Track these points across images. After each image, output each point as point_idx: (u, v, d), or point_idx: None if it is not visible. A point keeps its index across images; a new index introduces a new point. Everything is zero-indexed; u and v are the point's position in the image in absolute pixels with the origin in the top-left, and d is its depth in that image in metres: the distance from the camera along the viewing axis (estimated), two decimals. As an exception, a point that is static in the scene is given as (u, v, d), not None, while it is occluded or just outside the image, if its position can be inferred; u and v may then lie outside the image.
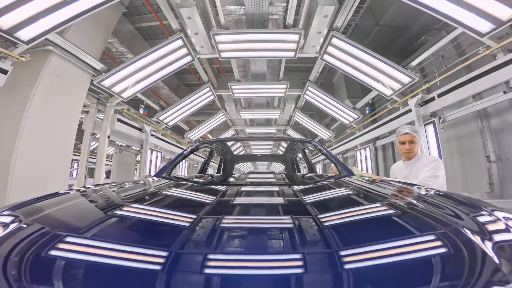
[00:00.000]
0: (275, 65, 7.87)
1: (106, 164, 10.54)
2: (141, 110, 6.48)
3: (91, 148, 6.02)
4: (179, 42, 5.52)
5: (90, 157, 5.83)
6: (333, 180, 1.99)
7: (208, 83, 7.57)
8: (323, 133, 10.84)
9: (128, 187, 1.62)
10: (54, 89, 4.47)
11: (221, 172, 5.90)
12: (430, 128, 5.25)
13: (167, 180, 1.97)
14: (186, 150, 3.10)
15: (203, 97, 8.10)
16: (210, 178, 2.56)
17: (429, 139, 5.24)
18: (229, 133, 13.16)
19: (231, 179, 2.38)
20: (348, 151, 10.31)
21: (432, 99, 5.16)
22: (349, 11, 4.95)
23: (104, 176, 9.49)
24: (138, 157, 7.86)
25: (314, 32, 5.21)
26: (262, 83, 7.91)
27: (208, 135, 15.24)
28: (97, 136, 6.24)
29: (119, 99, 6.00)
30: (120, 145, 7.43)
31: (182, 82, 10.36)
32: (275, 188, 1.66)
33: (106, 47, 6.95)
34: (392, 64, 5.23)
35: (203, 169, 4.30)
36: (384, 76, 5.56)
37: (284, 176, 2.91)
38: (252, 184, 1.94)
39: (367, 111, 7.21)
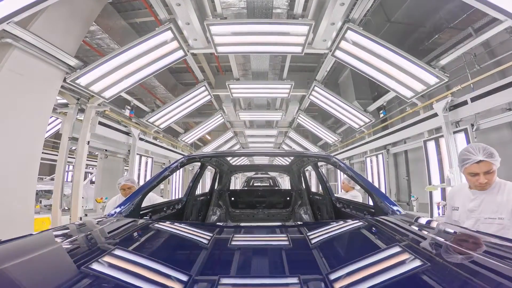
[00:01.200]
0: (276, 64, 7.11)
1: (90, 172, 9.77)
2: (127, 112, 5.73)
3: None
4: (168, 34, 4.75)
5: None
6: (373, 227, 1.36)
7: (203, 82, 6.80)
8: (328, 137, 10.10)
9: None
10: (16, 88, 3.70)
11: (217, 186, 5.17)
12: (459, 137, 4.50)
13: (129, 223, 1.51)
14: (166, 169, 2.42)
15: (198, 97, 7.34)
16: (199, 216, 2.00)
17: (458, 149, 4.49)
18: (228, 135, 12.40)
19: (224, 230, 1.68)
20: (354, 157, 9.58)
21: (464, 103, 4.41)
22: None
23: (89, 182, 8.77)
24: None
25: (327, 24, 4.45)
26: (263, 82, 7.15)
27: (207, 136, 14.50)
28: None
29: (100, 100, 5.23)
30: (106, 150, 6.66)
31: (180, 81, 9.58)
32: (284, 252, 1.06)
33: (97, 43, 6.18)
34: (418, 63, 4.47)
35: (192, 189, 3.55)
36: (406, 76, 4.81)
37: (298, 222, 2.20)
38: (250, 237, 1.36)
39: (382, 115, 6.47)
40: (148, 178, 7.10)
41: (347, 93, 8.37)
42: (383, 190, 6.95)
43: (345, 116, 7.52)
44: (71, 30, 4.41)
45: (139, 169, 6.79)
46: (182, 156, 2.87)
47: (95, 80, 4.76)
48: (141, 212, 2.15)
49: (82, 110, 5.31)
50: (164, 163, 9.46)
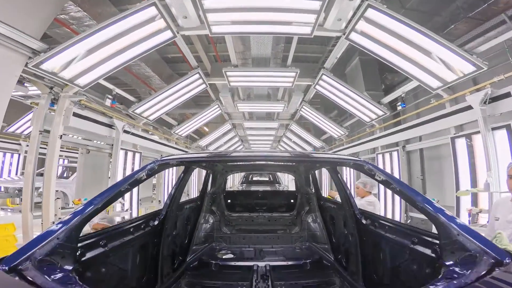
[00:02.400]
0: (278, 53, 6.31)
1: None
2: (108, 102, 4.99)
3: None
4: (152, 11, 3.95)
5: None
6: None
7: (197, 69, 6.01)
8: (334, 131, 9.37)
9: None
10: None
11: (210, 189, 4.47)
12: (499, 134, 3.78)
13: None
14: (127, 179, 1.91)
15: (191, 86, 6.55)
16: None
17: (498, 149, 3.78)
18: (226, 127, 11.65)
19: None
20: (360, 153, 8.87)
21: (506, 95, 3.67)
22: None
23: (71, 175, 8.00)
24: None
25: (343, -2, 3.67)
26: (265, 69, 6.37)
27: (204, 128, 13.73)
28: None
29: (76, 88, 4.48)
30: (87, 144, 5.93)
31: (176, 71, 8.75)
32: None
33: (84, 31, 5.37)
34: (454, 48, 3.71)
35: (174, 197, 2.87)
36: (434, 63, 4.06)
37: None
38: None
39: (400, 107, 5.71)
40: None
41: (355, 84, 7.60)
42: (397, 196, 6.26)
43: (356, 108, 6.77)
44: (35, 10, 3.64)
45: (125, 167, 6.07)
46: (153, 160, 2.15)
47: (65, 64, 3.99)
48: (85, 242, 1.62)
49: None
50: (155, 159, 8.76)
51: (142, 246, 2.36)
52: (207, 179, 4.24)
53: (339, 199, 3.28)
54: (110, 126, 5.53)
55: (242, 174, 11.83)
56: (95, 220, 2.98)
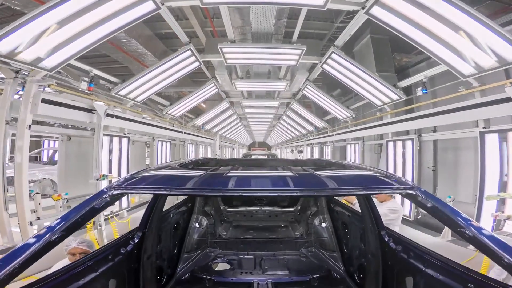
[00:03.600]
0: (280, 28, 5.49)
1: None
2: (84, 85, 4.29)
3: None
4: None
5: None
6: None
7: (188, 45, 5.23)
8: (340, 112, 8.72)
9: None
10: None
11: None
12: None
13: None
14: (68, 216, 1.46)
15: (183, 63, 5.80)
16: None
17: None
18: (223, 106, 10.95)
19: None
20: (365, 138, 8.32)
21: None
22: None
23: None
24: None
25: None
26: (267, 45, 5.60)
27: (202, 104, 12.96)
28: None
29: (43, 72, 3.78)
30: (67, 131, 5.32)
31: (171, 47, 7.88)
32: None
33: None
34: (497, 29, 3.01)
35: (152, 212, 2.37)
36: (472, 46, 3.37)
37: None
38: None
39: (422, 93, 5.04)
40: (123, 164, 5.86)
41: (364, 64, 6.80)
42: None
43: (367, 90, 6.10)
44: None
45: (111, 154, 5.50)
46: (104, 188, 1.65)
47: (28, 43, 3.27)
48: None
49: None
50: (147, 142, 8.17)
51: (113, 279, 1.89)
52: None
53: (358, 208, 2.82)
54: (90, 110, 4.88)
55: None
56: (73, 244, 2.48)
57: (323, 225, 3.53)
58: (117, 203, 5.78)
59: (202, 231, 3.60)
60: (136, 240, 2.20)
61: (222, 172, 1.94)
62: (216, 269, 3.22)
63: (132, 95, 5.76)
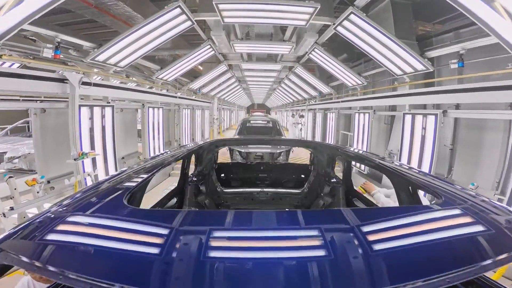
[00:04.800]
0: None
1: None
2: (47, 53, 3.49)
3: None
4: None
5: None
6: None
7: (177, 2, 4.29)
8: (350, 79, 7.89)
9: None
10: None
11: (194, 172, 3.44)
12: None
13: None
14: None
15: (173, 22, 4.88)
16: None
17: None
18: (220, 69, 10.00)
19: None
20: (377, 109, 7.60)
21: None
22: None
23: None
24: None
25: None
26: (272, 1, 4.65)
27: (199, 66, 11.93)
28: None
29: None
30: (40, 101, 4.59)
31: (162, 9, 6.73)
32: None
33: None
34: None
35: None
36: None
37: None
38: None
39: (458, 66, 4.26)
40: (107, 139, 5.25)
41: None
42: (427, 162, 5.26)
43: (386, 58, 5.28)
44: None
45: (92, 128, 4.85)
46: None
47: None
48: None
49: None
50: (137, 110, 7.43)
51: None
52: (185, 166, 3.08)
53: (378, 201, 2.43)
54: (62, 80, 4.11)
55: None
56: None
57: None
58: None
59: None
60: None
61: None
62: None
63: (113, 60, 4.92)
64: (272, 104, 34.83)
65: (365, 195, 2.74)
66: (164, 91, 8.85)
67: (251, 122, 10.42)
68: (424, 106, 5.93)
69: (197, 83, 10.69)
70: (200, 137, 12.90)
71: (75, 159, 4.22)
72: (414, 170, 1.96)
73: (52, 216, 1.04)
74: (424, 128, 5.24)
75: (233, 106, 28.58)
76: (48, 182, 4.89)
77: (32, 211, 4.47)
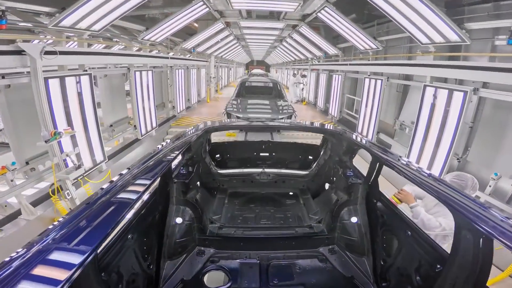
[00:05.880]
0: None
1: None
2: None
3: None
4: None
5: None
6: None
7: None
8: (362, 43, 7.00)
9: None
10: None
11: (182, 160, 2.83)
12: None
13: None
14: None
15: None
16: None
17: None
18: (217, 27, 8.92)
19: None
20: (390, 76, 6.83)
21: None
22: None
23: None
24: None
25: None
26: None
27: (195, 24, 10.68)
28: None
29: None
30: (2, 77, 3.86)
31: None
32: None
33: None
34: None
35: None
36: None
37: None
38: None
39: (507, 43, 3.48)
40: (87, 112, 4.64)
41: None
42: (446, 142, 4.71)
43: (413, 24, 4.46)
44: None
45: (67, 102, 4.21)
46: None
47: None
48: None
49: None
50: (124, 74, 6.63)
51: None
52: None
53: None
54: (19, 53, 3.37)
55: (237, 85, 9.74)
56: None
57: (352, 219, 2.61)
58: (85, 159, 4.79)
59: (184, 228, 2.63)
60: None
61: None
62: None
63: (84, 24, 4.07)
64: (272, 62, 33.13)
65: (400, 206, 2.25)
66: (155, 52, 7.98)
67: (251, 81, 9.65)
68: (445, 80, 5.23)
69: (191, 42, 9.66)
70: (196, 97, 12.28)
71: (46, 141, 3.64)
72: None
73: None
74: (448, 104, 4.61)
75: (231, 63, 27.08)
76: (27, 163, 4.40)
77: (12, 201, 4.06)
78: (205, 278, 2.42)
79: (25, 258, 0.93)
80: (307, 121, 3.79)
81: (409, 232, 1.89)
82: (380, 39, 6.66)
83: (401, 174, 1.86)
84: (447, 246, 2.08)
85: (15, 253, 0.97)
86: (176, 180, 2.56)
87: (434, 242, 1.73)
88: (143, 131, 6.94)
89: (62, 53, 3.82)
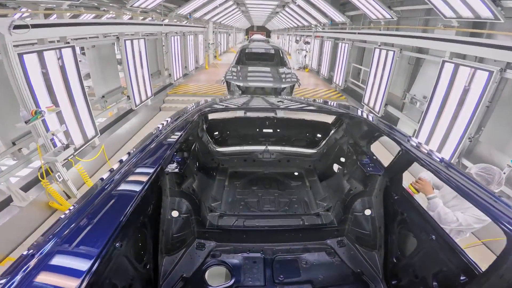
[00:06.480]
0: None
1: None
2: None
3: None
4: None
5: None
6: None
7: None
8: (375, 11, 6.40)
9: None
10: None
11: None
12: None
13: None
14: None
15: None
16: None
17: None
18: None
19: None
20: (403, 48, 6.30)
21: None
22: None
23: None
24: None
25: None
26: None
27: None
28: None
29: None
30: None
31: None
32: None
33: None
34: None
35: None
36: None
37: None
38: None
39: None
40: (73, 86, 4.27)
41: None
42: (463, 121, 4.40)
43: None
44: None
45: (48, 77, 3.81)
46: None
47: None
48: None
49: None
50: (114, 44, 6.08)
51: None
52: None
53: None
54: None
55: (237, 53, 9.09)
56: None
57: (366, 212, 2.41)
58: (75, 136, 4.48)
59: (181, 222, 2.42)
60: None
61: None
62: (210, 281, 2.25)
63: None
64: (273, 27, 31.51)
65: (416, 196, 2.05)
66: (148, 20, 7.34)
67: (251, 48, 9.05)
68: (464, 57, 4.79)
69: (186, 8, 8.90)
70: (194, 64, 11.72)
71: (27, 122, 3.31)
72: None
73: None
74: (468, 83, 4.23)
75: (230, 29, 25.73)
76: (14, 144, 4.11)
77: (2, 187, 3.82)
78: (206, 275, 2.26)
79: (29, 268, 0.91)
80: (320, 100, 3.41)
81: (433, 236, 1.69)
82: (395, 9, 6.04)
83: (436, 175, 1.63)
84: (459, 240, 1.97)
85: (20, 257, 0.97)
86: (169, 171, 2.28)
87: (463, 251, 1.52)
88: (137, 101, 6.63)
89: (35, 26, 3.35)
